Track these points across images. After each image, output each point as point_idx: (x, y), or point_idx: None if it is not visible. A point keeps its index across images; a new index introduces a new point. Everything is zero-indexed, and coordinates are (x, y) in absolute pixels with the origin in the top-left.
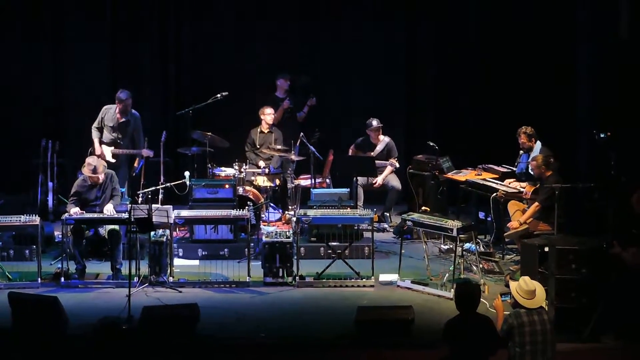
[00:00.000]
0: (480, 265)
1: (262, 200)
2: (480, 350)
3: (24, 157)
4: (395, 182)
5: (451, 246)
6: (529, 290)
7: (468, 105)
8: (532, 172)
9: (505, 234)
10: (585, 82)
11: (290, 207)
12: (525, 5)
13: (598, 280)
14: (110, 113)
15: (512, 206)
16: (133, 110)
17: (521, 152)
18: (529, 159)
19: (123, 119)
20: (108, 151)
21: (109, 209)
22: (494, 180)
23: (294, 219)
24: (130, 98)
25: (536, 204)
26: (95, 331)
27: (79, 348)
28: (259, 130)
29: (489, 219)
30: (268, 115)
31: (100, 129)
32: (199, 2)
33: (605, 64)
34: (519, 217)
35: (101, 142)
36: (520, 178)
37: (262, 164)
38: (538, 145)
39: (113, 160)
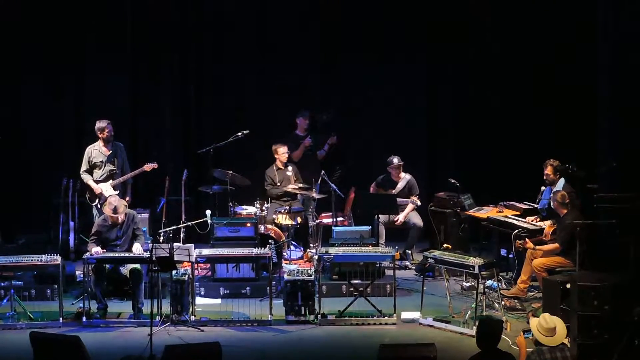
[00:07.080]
0: (503, 303)
1: (284, 238)
2: None
3: (45, 196)
4: (416, 219)
5: (473, 283)
6: (548, 328)
7: (489, 142)
8: (552, 207)
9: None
10: (606, 118)
11: (311, 245)
12: (546, 44)
13: (620, 316)
14: (95, 150)
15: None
16: (117, 142)
17: (543, 187)
18: (552, 194)
19: (110, 150)
20: (107, 186)
21: (137, 248)
22: (515, 217)
23: (316, 257)
24: (110, 124)
25: (556, 245)
26: None
27: None
28: (275, 167)
29: (510, 256)
30: (282, 155)
31: (90, 171)
32: (220, 41)
33: (627, 100)
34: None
35: (97, 182)
36: (542, 213)
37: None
38: (561, 182)
39: (116, 192)
